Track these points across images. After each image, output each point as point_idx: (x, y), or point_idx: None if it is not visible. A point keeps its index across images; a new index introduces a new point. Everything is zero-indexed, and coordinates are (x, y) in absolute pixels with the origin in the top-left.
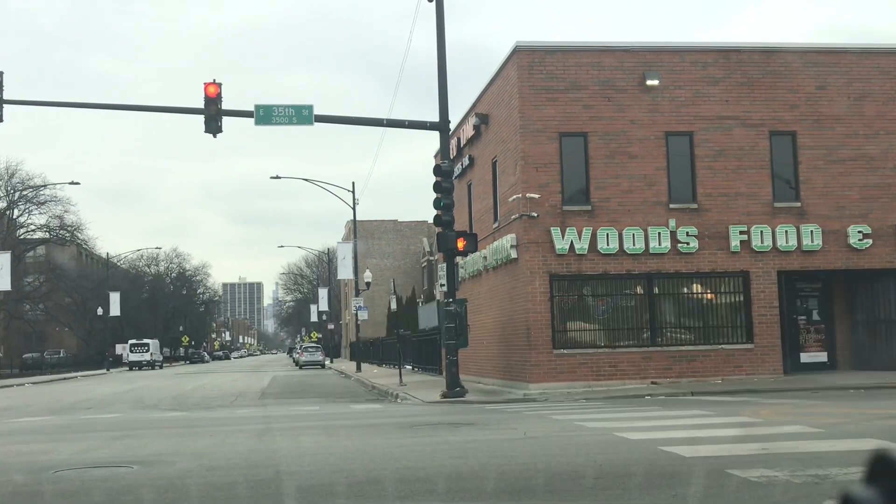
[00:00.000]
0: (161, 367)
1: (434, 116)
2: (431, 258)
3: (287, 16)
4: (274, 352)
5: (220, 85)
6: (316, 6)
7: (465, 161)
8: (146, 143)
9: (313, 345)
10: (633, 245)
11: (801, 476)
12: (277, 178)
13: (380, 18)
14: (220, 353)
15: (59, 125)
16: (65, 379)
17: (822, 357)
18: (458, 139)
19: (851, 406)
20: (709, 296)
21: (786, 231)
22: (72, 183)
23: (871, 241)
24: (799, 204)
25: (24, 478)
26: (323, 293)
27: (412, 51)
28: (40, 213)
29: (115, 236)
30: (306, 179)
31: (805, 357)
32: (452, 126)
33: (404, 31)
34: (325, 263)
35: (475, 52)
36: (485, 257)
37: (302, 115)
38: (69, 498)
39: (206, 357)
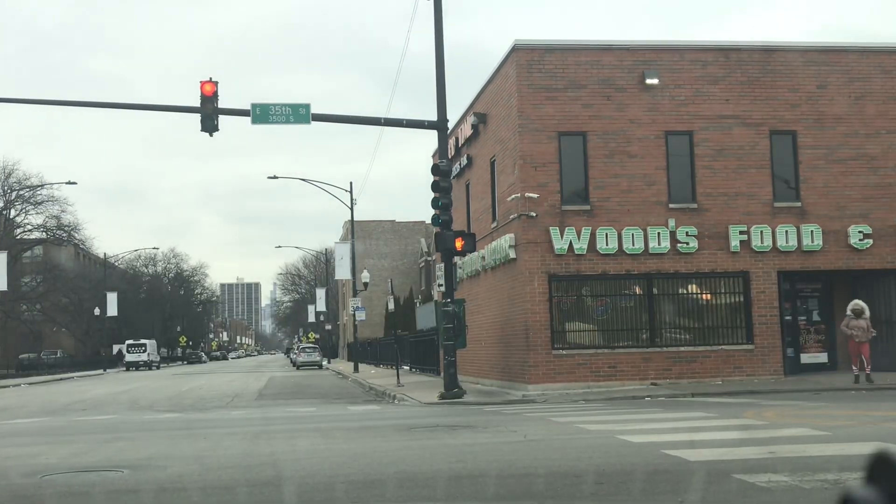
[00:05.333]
0: (158, 367)
1: (432, 117)
2: (429, 258)
3: (286, 17)
4: (272, 352)
5: (216, 83)
6: (315, 7)
7: (464, 161)
8: (144, 144)
9: (311, 345)
10: (633, 245)
11: (810, 481)
12: (275, 177)
13: (379, 20)
14: (218, 353)
15: (58, 125)
16: (61, 379)
17: (823, 358)
18: (457, 139)
19: (855, 408)
20: (708, 296)
21: (786, 231)
22: (69, 183)
23: (871, 241)
24: (799, 204)
25: (12, 482)
26: (321, 294)
27: (411, 53)
28: (37, 213)
29: (112, 236)
30: (304, 179)
31: (805, 358)
32: (451, 125)
33: (403, 31)
34: (322, 264)
35: (473, 53)
36: (483, 257)
37: (299, 113)
38: (56, 503)
39: (204, 357)
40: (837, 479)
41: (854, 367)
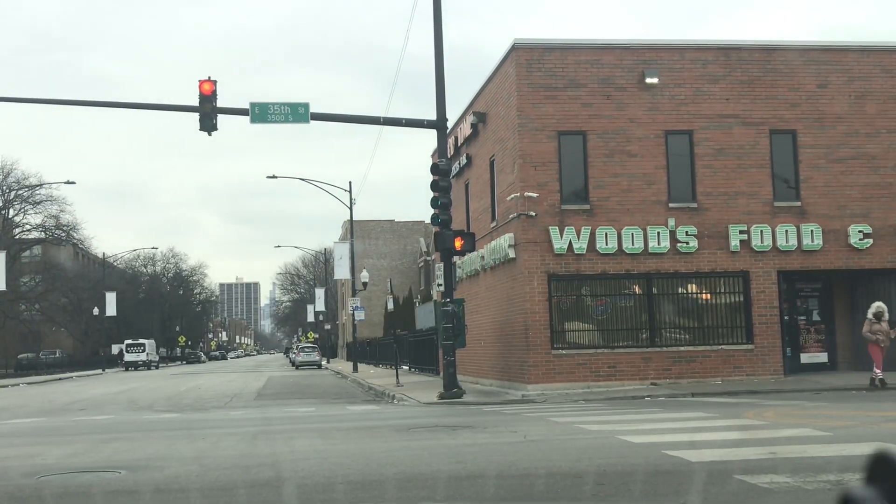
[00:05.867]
0: (157, 367)
1: (432, 117)
2: (428, 258)
3: (286, 17)
4: (271, 352)
5: (215, 82)
6: (314, 7)
7: (463, 160)
8: (144, 143)
9: (310, 345)
10: (632, 245)
11: (812, 482)
12: (274, 177)
13: (379, 20)
14: (217, 353)
15: (57, 125)
16: (60, 379)
17: (823, 357)
18: (456, 138)
19: (856, 408)
20: (708, 296)
21: (786, 230)
22: (67, 182)
23: (871, 240)
24: (799, 203)
25: (7, 484)
26: (320, 293)
27: (410, 54)
28: (36, 213)
29: (111, 236)
30: (303, 179)
31: (805, 357)
32: (450, 125)
33: (403, 31)
34: (321, 263)
35: (473, 53)
36: (482, 257)
37: (298, 112)
38: None
39: (203, 357)
40: (840, 479)
41: (877, 371)
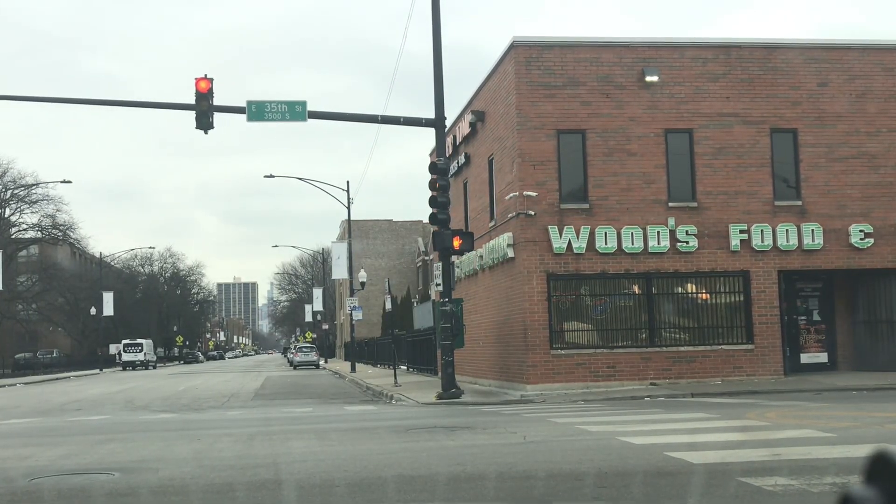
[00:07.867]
0: (155, 367)
1: (430, 116)
2: (427, 258)
3: (285, 17)
4: (269, 352)
5: (211, 80)
6: (314, 7)
7: (461, 159)
8: (142, 143)
9: (308, 345)
10: (632, 244)
11: (818, 485)
12: (271, 176)
13: (378, 20)
14: (215, 353)
15: (56, 125)
16: (57, 379)
17: (823, 357)
18: (455, 137)
19: (858, 409)
20: (708, 296)
21: (786, 230)
22: (63, 181)
23: (872, 240)
24: (800, 202)
25: None
26: (318, 293)
27: (409, 54)
28: (32, 212)
29: (109, 236)
30: (301, 178)
31: (805, 357)
32: (448, 123)
33: (402, 31)
34: (319, 263)
35: (472, 54)
36: (481, 256)
37: (295, 111)
38: None
39: (201, 357)
40: (845, 482)
41: None
